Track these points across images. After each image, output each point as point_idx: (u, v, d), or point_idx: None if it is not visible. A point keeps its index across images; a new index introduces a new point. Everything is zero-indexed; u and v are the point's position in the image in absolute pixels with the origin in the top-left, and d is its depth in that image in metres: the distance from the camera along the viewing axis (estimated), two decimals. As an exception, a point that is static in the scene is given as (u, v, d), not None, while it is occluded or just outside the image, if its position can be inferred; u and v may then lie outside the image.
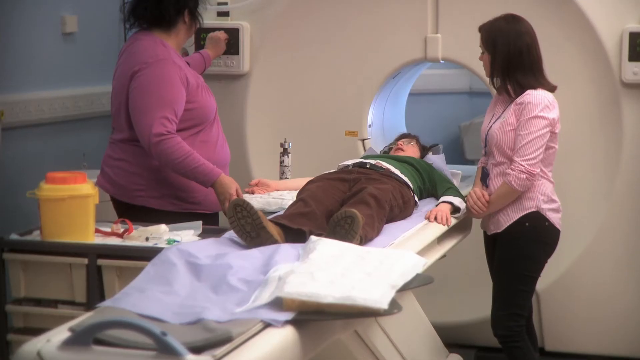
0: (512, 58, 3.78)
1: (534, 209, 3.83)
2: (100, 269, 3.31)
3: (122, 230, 3.47)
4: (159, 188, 3.95)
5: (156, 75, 3.84)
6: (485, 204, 3.86)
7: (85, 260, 3.30)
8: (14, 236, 3.44)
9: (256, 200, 3.86)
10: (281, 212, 3.52)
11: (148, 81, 3.84)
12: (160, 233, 3.46)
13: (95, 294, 3.28)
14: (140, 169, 3.95)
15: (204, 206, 3.99)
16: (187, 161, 3.78)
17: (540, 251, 3.88)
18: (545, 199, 3.84)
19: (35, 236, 3.45)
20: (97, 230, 3.44)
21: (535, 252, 3.87)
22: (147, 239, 3.40)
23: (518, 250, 3.85)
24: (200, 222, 3.59)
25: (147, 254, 3.04)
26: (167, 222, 3.59)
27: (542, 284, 4.48)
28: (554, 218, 3.86)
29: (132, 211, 3.91)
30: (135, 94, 3.85)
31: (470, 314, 4.80)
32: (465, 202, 3.91)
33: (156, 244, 3.33)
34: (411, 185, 3.92)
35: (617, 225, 4.58)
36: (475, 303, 4.67)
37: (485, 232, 4.06)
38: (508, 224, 3.86)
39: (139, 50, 3.92)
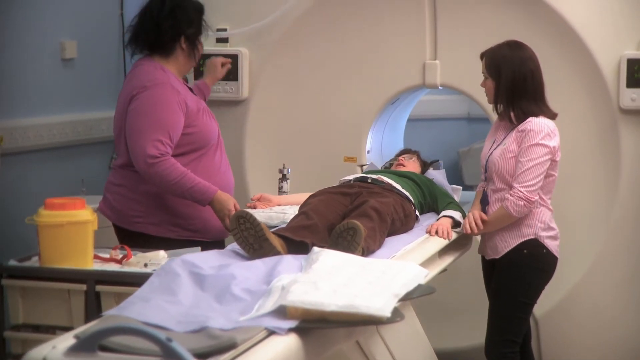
0: (517, 84, 3.80)
1: (532, 236, 3.84)
2: (99, 295, 3.30)
3: (120, 256, 3.47)
4: (157, 214, 3.95)
5: (152, 99, 3.86)
6: (480, 226, 3.87)
7: (84, 287, 3.29)
8: (12, 262, 3.43)
9: (258, 215, 3.85)
10: (283, 226, 3.54)
11: (144, 104, 3.86)
12: (159, 259, 3.45)
13: (94, 320, 3.27)
14: (139, 194, 3.96)
15: (202, 234, 3.99)
16: (182, 181, 3.80)
17: (538, 278, 3.88)
18: (544, 226, 3.85)
19: (34, 262, 3.44)
20: (95, 256, 3.44)
21: (532, 279, 3.87)
22: (145, 265, 3.39)
23: (516, 276, 3.86)
24: (199, 248, 3.59)
25: (145, 281, 3.04)
26: (167, 250, 3.58)
27: (541, 309, 4.49)
28: (552, 245, 3.87)
29: (131, 237, 3.92)
30: (131, 117, 3.88)
31: (468, 340, 4.79)
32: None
33: (155, 270, 3.32)
34: (412, 200, 3.95)
35: (616, 250, 4.58)
36: (472, 329, 4.66)
37: (483, 257, 4.06)
38: (506, 250, 3.87)
39: (139, 75, 3.95)
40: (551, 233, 3.88)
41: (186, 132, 3.91)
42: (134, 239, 3.91)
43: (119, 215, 4.01)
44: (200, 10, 4.07)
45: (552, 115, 3.86)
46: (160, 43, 3.99)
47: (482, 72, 3.91)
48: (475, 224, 3.86)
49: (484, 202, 3.96)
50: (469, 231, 3.88)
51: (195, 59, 4.07)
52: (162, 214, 3.95)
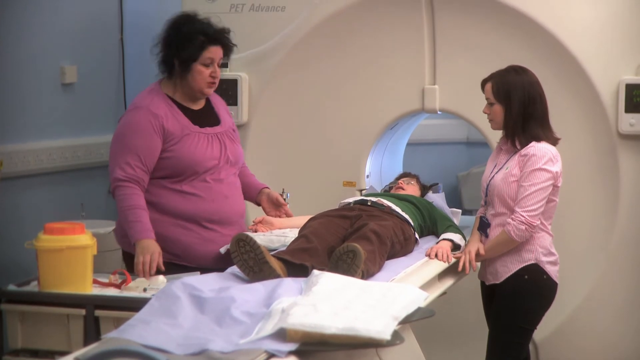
0: (527, 108, 3.80)
1: (532, 262, 3.83)
2: (98, 320, 3.30)
3: (119, 281, 3.46)
4: None
5: (125, 123, 3.90)
6: (474, 267, 3.89)
7: (83, 311, 3.29)
8: (11, 287, 3.43)
9: (259, 238, 3.83)
10: (284, 249, 3.54)
11: (119, 129, 3.91)
12: (158, 284, 3.45)
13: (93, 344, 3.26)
14: None
15: (183, 259, 3.92)
16: (127, 213, 3.77)
17: (538, 304, 3.88)
18: (545, 251, 3.84)
19: (33, 287, 3.43)
20: (94, 281, 3.44)
21: (533, 306, 3.86)
22: (145, 289, 3.39)
23: (516, 303, 3.85)
24: (197, 273, 3.57)
25: (144, 305, 3.03)
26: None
27: (540, 334, 4.47)
28: (552, 271, 3.86)
29: (126, 259, 3.96)
30: (111, 142, 3.94)
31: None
32: (461, 253, 3.93)
33: (154, 295, 3.32)
34: (412, 223, 3.96)
35: (615, 275, 4.57)
36: (472, 353, 4.64)
37: (482, 282, 4.05)
38: (507, 276, 3.86)
39: (134, 99, 4.00)
40: (551, 258, 3.88)
41: (163, 157, 3.89)
42: (127, 260, 3.93)
43: (117, 236, 4.02)
44: (208, 34, 3.91)
45: (554, 141, 3.86)
46: (161, 63, 3.96)
47: (487, 98, 3.89)
48: (470, 263, 3.87)
49: (482, 229, 3.96)
50: (461, 269, 3.87)
51: (190, 84, 3.93)
52: None
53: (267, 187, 4.25)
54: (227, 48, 3.99)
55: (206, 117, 4.04)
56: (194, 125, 3.96)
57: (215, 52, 3.92)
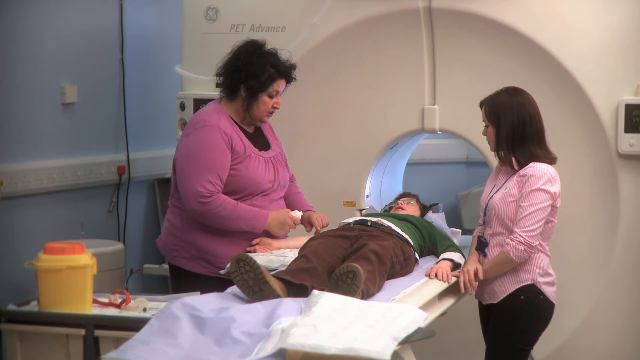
0: (516, 129, 3.81)
1: (529, 282, 3.83)
2: (97, 340, 3.29)
3: (119, 300, 3.46)
4: (189, 249, 4.03)
5: (200, 140, 3.95)
6: (474, 286, 3.88)
7: (82, 331, 3.28)
8: (11, 306, 3.42)
9: (258, 258, 3.85)
10: (283, 269, 3.54)
11: (192, 145, 3.95)
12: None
13: (93, 364, 3.26)
14: (175, 229, 4.06)
15: None
16: (235, 213, 3.91)
17: (534, 325, 3.87)
18: (542, 272, 3.84)
19: (32, 307, 3.43)
20: (94, 301, 3.43)
21: (529, 326, 3.86)
22: (144, 309, 3.38)
23: (513, 323, 3.85)
24: (197, 293, 3.58)
25: (144, 325, 3.03)
26: (200, 286, 3.65)
27: (540, 354, 4.48)
28: (549, 291, 3.86)
29: (172, 271, 4.09)
30: (180, 158, 3.98)
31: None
32: (459, 274, 3.92)
33: (153, 314, 3.31)
34: (412, 243, 3.96)
35: (616, 295, 4.57)
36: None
37: (480, 302, 4.05)
38: (504, 296, 3.86)
39: (194, 116, 4.09)
40: (548, 279, 3.87)
41: (229, 174, 3.98)
42: (172, 272, 4.09)
43: (163, 248, 4.13)
44: (278, 68, 4.04)
45: (552, 160, 3.87)
46: (225, 84, 4.06)
47: (483, 120, 3.92)
48: (470, 283, 3.86)
49: (480, 249, 3.95)
50: (463, 291, 3.87)
51: (253, 111, 4.04)
52: (193, 249, 4.03)
53: (311, 210, 4.33)
54: (289, 82, 4.13)
55: (258, 142, 4.14)
56: (254, 147, 4.08)
57: (280, 85, 4.07)
